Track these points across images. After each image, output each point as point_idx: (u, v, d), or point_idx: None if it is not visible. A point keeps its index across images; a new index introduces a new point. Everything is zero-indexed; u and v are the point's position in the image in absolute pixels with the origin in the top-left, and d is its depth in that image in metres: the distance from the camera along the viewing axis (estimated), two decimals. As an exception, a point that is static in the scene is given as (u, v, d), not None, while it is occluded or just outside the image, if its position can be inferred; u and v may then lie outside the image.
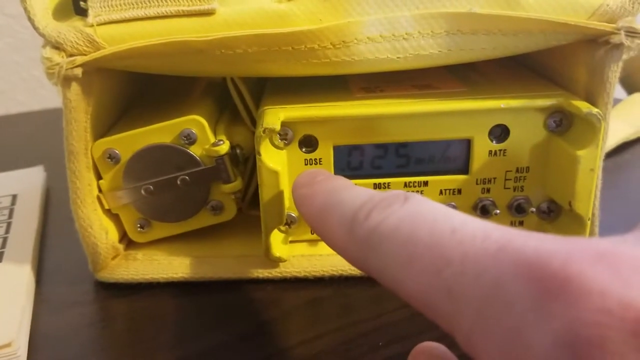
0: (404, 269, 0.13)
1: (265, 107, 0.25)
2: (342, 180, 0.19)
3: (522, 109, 0.25)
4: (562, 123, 0.25)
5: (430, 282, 0.13)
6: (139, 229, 0.28)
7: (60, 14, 0.24)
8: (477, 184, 0.26)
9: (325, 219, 0.17)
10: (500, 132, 0.25)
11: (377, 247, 0.14)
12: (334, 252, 0.26)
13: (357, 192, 0.17)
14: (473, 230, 0.13)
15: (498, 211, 0.26)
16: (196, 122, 0.26)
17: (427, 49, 0.23)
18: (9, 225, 0.32)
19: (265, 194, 0.25)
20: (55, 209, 0.35)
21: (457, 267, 0.12)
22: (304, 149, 0.26)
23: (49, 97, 0.67)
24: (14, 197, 0.35)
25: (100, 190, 0.27)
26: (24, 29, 0.64)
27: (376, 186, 0.26)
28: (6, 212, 0.33)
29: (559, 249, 0.11)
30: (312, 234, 0.27)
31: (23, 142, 0.51)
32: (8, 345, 0.22)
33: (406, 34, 0.23)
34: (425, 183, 0.26)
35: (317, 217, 0.18)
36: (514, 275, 0.11)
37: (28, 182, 0.38)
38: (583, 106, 0.23)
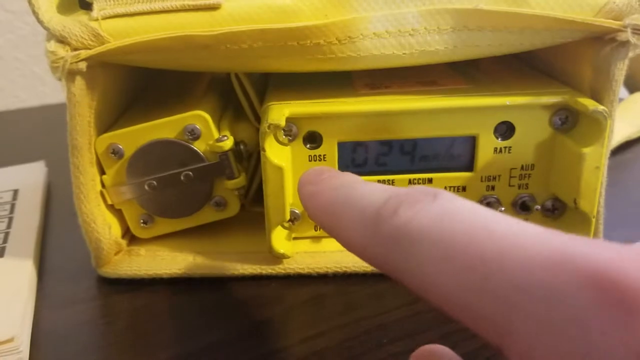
0: (439, 270, 0.13)
1: (270, 103, 0.25)
2: (351, 176, 0.18)
3: (527, 106, 0.25)
4: (567, 120, 0.25)
5: (471, 285, 0.12)
6: (142, 225, 0.28)
7: (64, 7, 0.23)
8: (481, 181, 0.26)
9: (338, 215, 0.17)
10: (505, 129, 0.25)
11: (407, 246, 0.14)
12: (338, 249, 0.27)
13: (376, 187, 0.16)
14: (519, 232, 0.12)
15: (503, 208, 0.26)
16: (200, 118, 0.26)
17: (433, 45, 0.23)
18: (10, 220, 0.31)
19: (270, 190, 0.25)
20: (56, 204, 0.35)
21: (506, 275, 0.11)
22: (308, 145, 0.26)
23: (49, 93, 0.67)
24: (16, 192, 0.35)
25: (103, 186, 0.27)
26: (25, 25, 0.63)
27: (380, 183, 0.26)
28: (7, 207, 0.33)
29: (626, 258, 0.10)
30: (316, 230, 0.27)
31: (23, 138, 0.51)
32: (10, 340, 0.21)
33: (412, 29, 0.23)
34: (430, 180, 0.26)
35: (327, 213, 0.17)
36: (579, 287, 0.10)
37: (29, 177, 0.37)
38: (589, 104, 0.23)
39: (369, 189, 0.16)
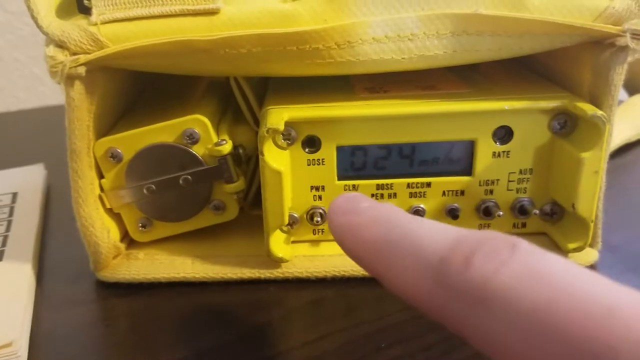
0: (530, 342, 0.11)
1: (269, 107, 0.25)
2: (397, 210, 0.16)
3: (526, 111, 0.25)
4: (566, 125, 0.25)
5: None
6: (140, 229, 0.28)
7: (63, 12, 0.23)
8: (480, 185, 0.26)
9: (389, 257, 0.15)
10: (504, 134, 0.25)
11: (484, 304, 0.12)
12: (336, 253, 0.27)
13: (437, 227, 0.15)
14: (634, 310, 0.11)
15: (501, 213, 0.26)
16: (199, 122, 0.26)
17: (433, 49, 0.23)
18: (9, 223, 0.31)
19: (268, 194, 0.25)
20: (55, 207, 0.35)
21: None
22: (307, 150, 0.26)
23: (48, 94, 0.67)
24: (15, 195, 0.35)
25: (102, 189, 0.26)
26: (25, 26, 0.63)
27: (379, 187, 0.26)
28: (6, 210, 0.33)
29: None
30: (314, 234, 0.27)
31: (22, 140, 0.51)
32: (9, 345, 0.21)
33: (411, 34, 0.23)
34: (429, 184, 0.26)
35: (374, 252, 0.15)
36: None
37: (28, 179, 0.37)
38: (588, 108, 0.23)
39: (428, 230, 0.15)
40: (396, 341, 0.23)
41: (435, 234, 0.14)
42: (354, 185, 0.26)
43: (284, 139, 0.25)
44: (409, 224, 0.15)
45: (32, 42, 0.64)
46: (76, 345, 0.23)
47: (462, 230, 0.14)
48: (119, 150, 0.26)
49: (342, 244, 0.17)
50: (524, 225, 0.27)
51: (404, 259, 0.14)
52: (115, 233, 0.27)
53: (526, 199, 0.26)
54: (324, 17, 0.22)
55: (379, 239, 0.15)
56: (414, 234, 0.15)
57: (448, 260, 0.13)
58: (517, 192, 0.26)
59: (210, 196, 0.27)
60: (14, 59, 0.65)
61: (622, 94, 0.48)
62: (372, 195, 0.27)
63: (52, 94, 0.67)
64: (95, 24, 0.22)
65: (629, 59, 0.23)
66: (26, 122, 0.57)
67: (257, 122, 0.28)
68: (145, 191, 0.26)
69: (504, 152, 0.26)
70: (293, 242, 0.27)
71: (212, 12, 0.23)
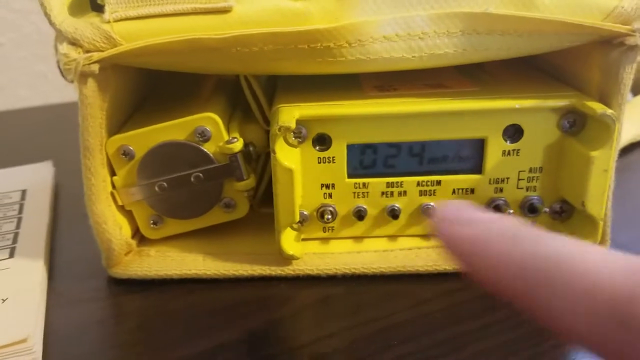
0: None
1: (280, 105, 0.25)
2: (527, 226, 0.15)
3: (536, 109, 0.25)
4: (575, 123, 0.25)
5: None
6: (152, 226, 0.28)
7: (76, 9, 0.24)
8: (490, 183, 0.26)
9: (539, 285, 0.13)
10: (514, 132, 0.26)
11: None
12: (346, 250, 0.27)
13: (603, 257, 0.13)
14: None
15: (511, 211, 0.26)
16: (211, 120, 0.26)
17: (443, 48, 0.23)
18: (19, 220, 0.32)
19: (280, 192, 0.25)
20: (64, 204, 0.35)
21: None
22: (317, 147, 0.26)
23: (52, 92, 0.67)
24: (24, 192, 0.35)
25: (114, 187, 0.27)
26: (29, 24, 0.63)
27: (389, 185, 0.27)
28: (16, 207, 0.33)
29: None
30: (324, 231, 0.27)
31: (27, 138, 0.51)
32: (24, 340, 0.22)
33: (422, 33, 0.23)
34: (439, 182, 0.26)
35: (515, 276, 0.13)
36: None
37: (37, 177, 0.38)
38: (597, 107, 0.24)
39: (593, 260, 0.12)
40: (406, 339, 0.23)
41: (605, 267, 0.12)
42: (364, 184, 0.26)
43: (295, 137, 0.25)
44: (565, 249, 0.13)
45: (36, 40, 0.64)
46: (88, 342, 0.24)
47: (631, 259, 0.12)
48: (131, 148, 0.26)
49: (459, 255, 0.15)
50: (533, 223, 0.27)
51: (562, 291, 0.13)
52: (127, 230, 0.27)
53: (536, 197, 0.27)
54: (335, 16, 0.23)
55: (519, 261, 0.14)
56: (576, 263, 0.13)
57: (626, 302, 0.11)
58: (527, 190, 0.26)
59: (221, 194, 0.27)
60: (18, 57, 0.65)
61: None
62: (382, 194, 0.27)
63: (55, 92, 0.67)
64: (108, 22, 0.23)
65: (638, 58, 0.23)
66: (30, 120, 0.57)
67: (267, 120, 0.28)
68: (156, 189, 0.27)
69: (513, 150, 0.26)
70: (303, 239, 0.28)
71: (224, 11, 0.23)
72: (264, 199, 0.30)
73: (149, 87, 0.32)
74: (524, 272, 0.13)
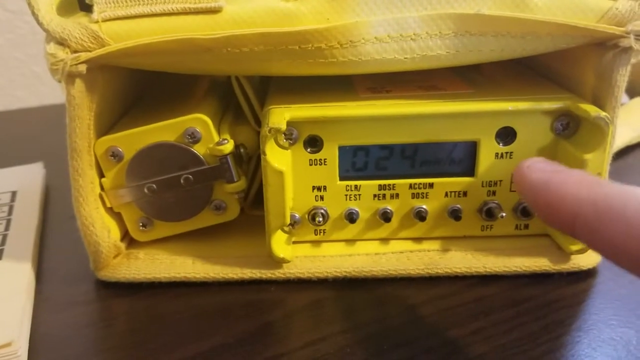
0: None
1: (271, 107, 0.25)
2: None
3: (529, 112, 0.25)
4: (569, 126, 0.25)
5: None
6: (141, 228, 0.28)
7: (64, 9, 0.23)
8: (482, 186, 0.26)
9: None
10: (507, 135, 0.25)
11: None
12: (338, 253, 0.27)
13: None
14: None
15: (504, 214, 0.26)
16: (200, 121, 0.26)
17: (435, 49, 0.23)
18: (8, 222, 0.31)
19: (270, 194, 0.25)
20: (54, 206, 0.35)
21: None
22: (309, 149, 0.26)
23: (48, 93, 0.67)
24: (14, 193, 0.35)
25: (102, 188, 0.26)
26: (25, 24, 0.63)
27: (381, 187, 0.26)
28: (6, 209, 0.33)
29: None
30: (315, 234, 0.27)
31: (22, 139, 0.51)
32: (8, 344, 0.21)
33: (414, 34, 0.23)
34: (431, 185, 0.26)
35: (596, 212, 0.17)
36: None
37: (28, 178, 0.37)
38: (591, 110, 0.23)
39: None
40: (398, 343, 0.23)
41: None
42: (356, 186, 0.26)
43: (286, 139, 0.25)
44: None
45: (32, 40, 0.64)
46: (76, 346, 0.23)
47: None
48: (120, 149, 0.26)
49: (543, 195, 0.19)
50: (526, 226, 0.27)
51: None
52: (115, 232, 0.27)
53: (528, 200, 0.26)
54: (326, 17, 0.22)
55: (596, 202, 0.17)
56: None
57: None
58: (520, 193, 0.26)
59: (211, 196, 0.27)
60: (14, 58, 0.65)
61: (623, 96, 0.48)
62: (374, 196, 0.26)
63: (51, 93, 0.67)
64: (97, 22, 0.22)
65: (633, 60, 0.23)
66: (25, 121, 0.57)
67: (258, 122, 0.28)
68: (145, 190, 0.26)
69: (506, 153, 0.26)
70: (294, 242, 0.27)
71: (215, 11, 0.22)
72: (255, 201, 0.30)
73: (140, 88, 0.32)
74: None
